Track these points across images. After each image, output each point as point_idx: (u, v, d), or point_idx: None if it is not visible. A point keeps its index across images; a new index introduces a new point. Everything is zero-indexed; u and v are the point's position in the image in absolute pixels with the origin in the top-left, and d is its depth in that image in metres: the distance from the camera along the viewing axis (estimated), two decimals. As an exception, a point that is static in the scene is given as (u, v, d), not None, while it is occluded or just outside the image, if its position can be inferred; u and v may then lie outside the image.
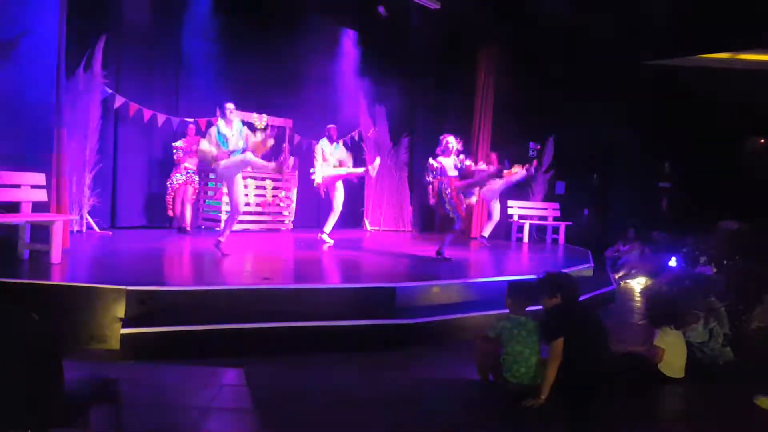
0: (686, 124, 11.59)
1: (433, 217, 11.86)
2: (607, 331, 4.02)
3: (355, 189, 11.53)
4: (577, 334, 3.73)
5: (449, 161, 7.23)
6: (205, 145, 6.51)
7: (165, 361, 4.13)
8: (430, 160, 7.28)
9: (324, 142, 8.31)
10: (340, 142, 8.77)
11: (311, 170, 8.30)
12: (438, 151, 7.32)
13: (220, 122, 6.58)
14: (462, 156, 7.39)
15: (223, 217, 9.18)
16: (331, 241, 8.28)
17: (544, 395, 3.60)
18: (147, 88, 9.35)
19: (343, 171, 8.33)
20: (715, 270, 7.24)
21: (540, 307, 4.00)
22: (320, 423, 3.27)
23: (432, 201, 7.25)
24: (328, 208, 8.55)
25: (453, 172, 7.20)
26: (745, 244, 7.85)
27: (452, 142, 7.29)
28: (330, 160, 8.25)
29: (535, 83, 11.10)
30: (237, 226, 9.33)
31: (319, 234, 8.33)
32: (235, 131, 6.59)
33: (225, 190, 7.26)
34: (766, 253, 7.10)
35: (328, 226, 8.35)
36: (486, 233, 9.63)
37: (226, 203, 9.12)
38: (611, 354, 3.98)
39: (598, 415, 3.65)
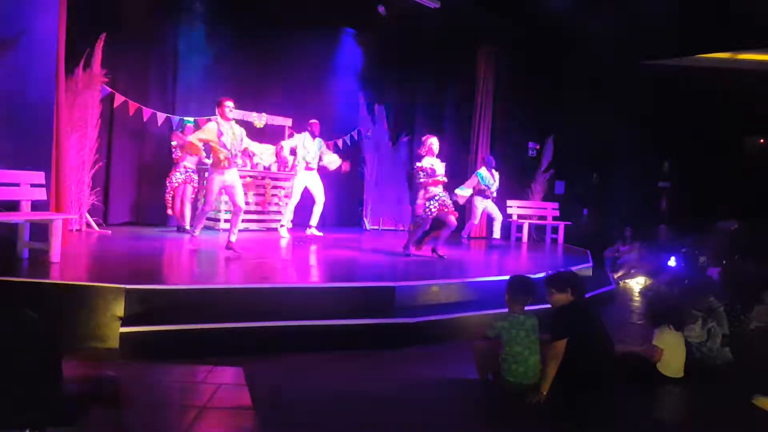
0: (686, 123, 11.60)
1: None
2: (609, 332, 4.03)
3: (354, 188, 11.56)
4: (581, 334, 3.74)
5: (437, 161, 7.31)
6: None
7: (164, 360, 4.13)
8: (419, 163, 7.29)
9: (305, 137, 8.78)
10: (321, 140, 9.04)
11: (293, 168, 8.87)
12: (422, 151, 7.37)
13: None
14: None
15: (223, 216, 9.20)
16: (288, 235, 8.83)
17: (544, 391, 3.61)
18: (146, 86, 9.37)
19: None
20: (719, 271, 7.24)
21: (539, 306, 4.00)
22: (319, 422, 3.27)
23: (421, 207, 7.27)
24: (327, 207, 8.76)
25: (441, 171, 7.30)
26: (744, 243, 7.86)
27: (436, 143, 7.35)
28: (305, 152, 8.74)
29: (534, 83, 11.11)
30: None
31: (307, 230, 8.81)
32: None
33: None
34: (765, 252, 7.11)
35: (286, 219, 8.97)
36: (496, 234, 9.74)
37: (225, 202, 9.17)
38: (611, 353, 3.98)
39: (597, 414, 3.66)
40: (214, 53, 9.76)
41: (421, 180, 7.24)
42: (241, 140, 6.76)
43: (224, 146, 6.52)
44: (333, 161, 9.03)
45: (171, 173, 8.83)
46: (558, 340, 3.69)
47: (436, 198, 7.22)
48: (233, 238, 6.71)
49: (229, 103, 6.62)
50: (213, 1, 9.64)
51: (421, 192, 7.26)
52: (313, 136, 8.74)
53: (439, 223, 7.36)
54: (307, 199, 9.31)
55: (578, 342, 3.71)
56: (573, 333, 3.71)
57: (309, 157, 8.80)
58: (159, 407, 3.34)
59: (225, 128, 6.56)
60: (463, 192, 9.04)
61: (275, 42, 10.45)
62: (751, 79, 11.41)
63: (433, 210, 7.18)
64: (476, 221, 9.90)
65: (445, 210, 7.23)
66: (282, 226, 8.94)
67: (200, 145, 6.68)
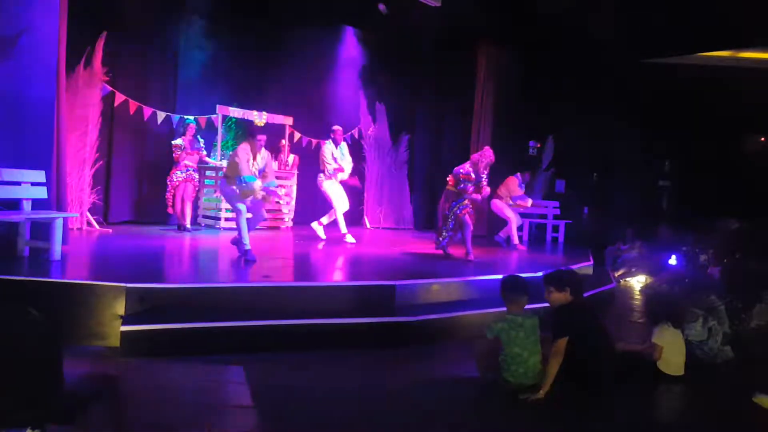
0: (686, 122, 11.60)
1: (433, 215, 11.90)
2: (608, 331, 4.03)
3: (355, 187, 11.54)
4: (581, 333, 3.73)
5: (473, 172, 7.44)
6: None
7: (165, 358, 4.13)
8: (468, 168, 7.39)
9: (330, 146, 8.56)
10: (345, 144, 8.91)
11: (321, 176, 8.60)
12: (474, 156, 7.51)
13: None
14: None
15: (223, 215, 9.18)
16: (353, 239, 8.52)
17: (544, 390, 3.61)
18: (146, 85, 9.38)
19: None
20: (720, 270, 7.24)
21: (537, 306, 3.99)
22: (320, 421, 3.27)
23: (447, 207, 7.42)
24: (328, 205, 8.71)
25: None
26: (745, 242, 7.86)
27: (489, 157, 7.45)
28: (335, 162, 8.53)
29: (535, 82, 11.11)
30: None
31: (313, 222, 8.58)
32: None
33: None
34: (765, 251, 7.11)
35: (343, 227, 8.54)
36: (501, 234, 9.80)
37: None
38: (611, 352, 3.98)
39: (597, 413, 3.66)
40: (214, 52, 9.75)
41: (461, 185, 7.31)
42: (265, 166, 6.47)
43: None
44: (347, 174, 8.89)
45: (172, 172, 8.83)
46: (558, 339, 3.69)
47: (461, 200, 7.34)
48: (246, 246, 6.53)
49: (263, 137, 6.38)
50: (213, -1, 9.66)
51: (452, 194, 7.38)
52: (336, 144, 8.68)
53: (458, 224, 7.43)
54: (309, 197, 9.33)
55: (578, 341, 3.71)
56: (573, 332, 3.71)
57: (336, 165, 8.65)
58: (160, 405, 3.34)
59: (250, 157, 6.31)
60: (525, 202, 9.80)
61: (276, 40, 10.45)
62: (751, 77, 11.40)
63: (462, 208, 7.31)
64: (514, 218, 9.79)
65: (466, 211, 7.36)
66: (346, 234, 8.54)
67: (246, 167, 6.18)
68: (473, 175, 7.33)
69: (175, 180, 8.78)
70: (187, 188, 8.83)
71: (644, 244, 9.76)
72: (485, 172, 7.47)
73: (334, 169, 8.54)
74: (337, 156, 8.61)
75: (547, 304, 4.10)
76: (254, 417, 3.27)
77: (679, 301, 4.67)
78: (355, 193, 11.50)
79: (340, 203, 8.53)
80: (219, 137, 9.61)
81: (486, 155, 7.43)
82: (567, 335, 3.67)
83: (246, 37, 9.99)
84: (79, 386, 2.49)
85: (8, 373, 2.13)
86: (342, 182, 8.71)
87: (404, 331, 4.98)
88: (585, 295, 6.45)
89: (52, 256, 5.42)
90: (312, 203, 10.77)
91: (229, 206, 9.15)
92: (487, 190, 7.61)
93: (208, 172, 9.49)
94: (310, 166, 10.11)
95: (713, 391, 4.25)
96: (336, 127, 8.78)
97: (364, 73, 11.54)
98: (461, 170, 7.36)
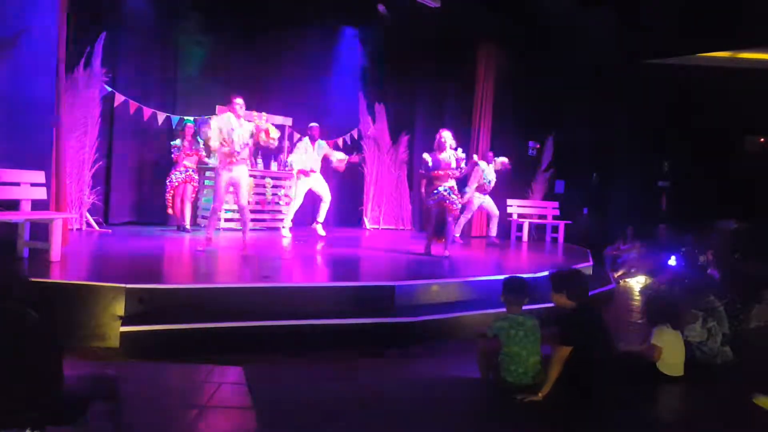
0: (686, 122, 11.60)
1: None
2: (610, 333, 4.00)
3: (354, 187, 11.56)
4: (588, 340, 3.69)
5: (446, 155, 7.30)
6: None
7: (164, 359, 4.13)
8: (424, 155, 7.46)
9: (306, 142, 8.80)
10: (322, 142, 9.06)
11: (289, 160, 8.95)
12: (434, 146, 7.47)
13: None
14: (459, 150, 7.50)
15: (223, 216, 9.17)
16: (289, 235, 8.75)
17: (543, 393, 3.59)
18: (146, 85, 9.36)
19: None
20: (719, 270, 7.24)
21: (536, 306, 3.97)
22: (319, 422, 3.27)
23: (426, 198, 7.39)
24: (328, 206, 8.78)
25: (452, 165, 7.34)
26: (744, 243, 7.86)
27: (447, 137, 7.39)
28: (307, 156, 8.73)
29: (534, 82, 11.11)
30: (237, 225, 9.35)
31: (314, 224, 8.88)
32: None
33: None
34: (764, 251, 7.12)
35: (287, 220, 8.93)
36: (493, 232, 9.75)
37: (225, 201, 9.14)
38: (611, 353, 3.97)
39: (596, 414, 3.65)
40: (214, 52, 9.75)
41: (421, 171, 7.40)
42: (251, 135, 6.86)
43: (231, 141, 6.63)
44: (341, 159, 8.99)
45: (171, 172, 8.83)
46: (564, 346, 3.63)
47: (435, 193, 7.25)
48: (247, 237, 6.87)
49: (239, 101, 6.81)
50: (213, 0, 9.64)
51: (423, 186, 7.36)
52: (313, 141, 8.75)
53: (439, 220, 7.36)
54: (308, 198, 9.26)
55: (584, 348, 3.65)
56: (581, 340, 3.64)
57: (310, 163, 8.77)
58: (159, 406, 3.34)
59: (235, 123, 6.73)
60: (469, 191, 9.39)
61: (275, 41, 10.44)
62: (751, 78, 11.41)
63: (431, 204, 7.23)
64: (469, 215, 9.81)
65: (444, 206, 7.23)
66: (284, 227, 8.94)
67: (216, 143, 6.67)
68: (430, 162, 7.31)
69: (174, 181, 8.78)
70: (186, 189, 8.83)
71: (644, 244, 9.77)
72: (442, 154, 7.32)
73: (299, 171, 8.77)
74: (309, 153, 8.72)
75: (545, 305, 4.08)
76: (254, 418, 3.27)
77: (678, 301, 4.66)
78: (354, 194, 11.53)
79: (298, 199, 8.87)
80: (218, 138, 9.59)
81: (436, 138, 7.44)
82: (574, 344, 3.61)
83: (246, 38, 9.99)
84: (78, 387, 2.49)
85: (8, 374, 2.13)
86: (336, 169, 9.04)
87: (404, 331, 4.98)
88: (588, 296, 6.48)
89: (51, 256, 5.42)
90: (311, 203, 10.76)
91: (228, 206, 9.20)
92: (456, 174, 7.45)
93: (207, 173, 9.46)
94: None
95: (713, 392, 4.25)
96: (312, 124, 8.88)
97: (364, 73, 11.54)
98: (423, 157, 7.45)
